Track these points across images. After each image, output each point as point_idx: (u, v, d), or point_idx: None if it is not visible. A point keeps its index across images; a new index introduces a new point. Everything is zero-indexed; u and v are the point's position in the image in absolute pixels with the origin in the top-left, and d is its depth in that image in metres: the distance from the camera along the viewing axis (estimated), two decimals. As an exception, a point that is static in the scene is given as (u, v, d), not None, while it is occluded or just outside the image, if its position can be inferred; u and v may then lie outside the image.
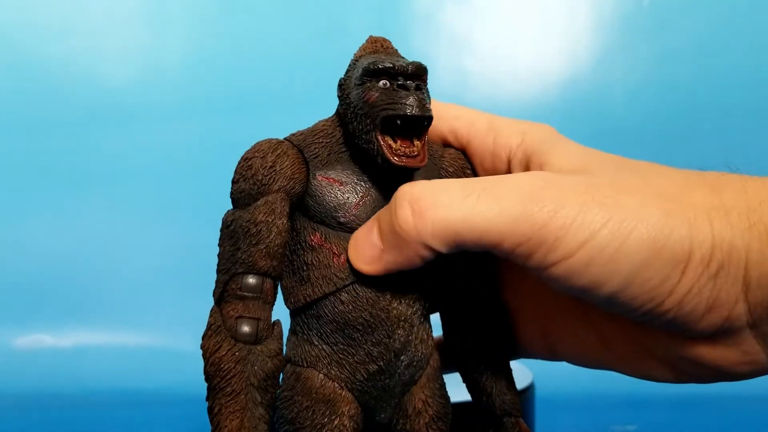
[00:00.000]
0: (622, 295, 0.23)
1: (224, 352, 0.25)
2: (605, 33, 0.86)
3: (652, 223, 0.23)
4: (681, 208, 0.23)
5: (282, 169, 0.27)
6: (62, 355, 0.80)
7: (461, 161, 0.30)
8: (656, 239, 0.22)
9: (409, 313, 0.28)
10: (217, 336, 0.25)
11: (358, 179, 0.28)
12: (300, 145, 0.28)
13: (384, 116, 0.26)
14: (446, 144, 0.31)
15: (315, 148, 0.28)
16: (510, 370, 0.31)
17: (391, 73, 0.26)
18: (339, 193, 0.27)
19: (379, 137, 0.26)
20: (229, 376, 0.24)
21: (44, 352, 0.80)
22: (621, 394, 0.71)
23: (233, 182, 0.27)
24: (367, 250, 0.26)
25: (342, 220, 0.27)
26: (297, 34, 0.83)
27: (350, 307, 0.27)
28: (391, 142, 0.26)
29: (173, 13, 0.85)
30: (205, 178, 0.73)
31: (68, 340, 0.81)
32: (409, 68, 0.26)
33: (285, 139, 0.28)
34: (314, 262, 0.27)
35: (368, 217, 0.27)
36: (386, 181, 0.28)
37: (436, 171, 0.29)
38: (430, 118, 0.26)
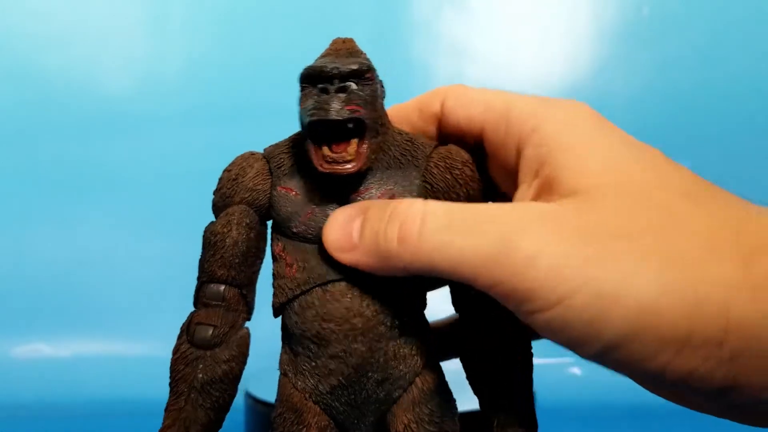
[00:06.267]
0: (608, 358, 0.21)
1: (178, 355, 0.27)
2: (605, 41, 0.86)
3: (643, 295, 0.20)
4: (690, 282, 0.20)
5: (243, 181, 0.27)
6: (60, 365, 0.79)
7: (449, 160, 0.27)
8: (643, 313, 0.20)
9: (369, 326, 0.26)
10: (179, 339, 0.27)
11: (313, 188, 0.27)
12: (268, 156, 0.28)
13: (307, 123, 0.25)
14: (454, 139, 0.29)
15: (281, 158, 0.28)
16: (530, 385, 0.28)
17: (323, 77, 0.25)
18: (293, 202, 0.27)
19: (309, 145, 0.25)
20: (177, 377, 0.27)
21: (42, 362, 0.80)
22: (625, 404, 0.70)
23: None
24: (343, 238, 0.25)
25: (294, 230, 0.27)
26: (296, 43, 0.83)
27: (301, 319, 0.26)
28: (324, 149, 0.25)
29: (173, 21, 0.85)
30: (205, 187, 0.72)
31: (66, 350, 0.81)
32: (339, 70, 0.25)
33: (264, 150, 0.28)
34: (276, 273, 0.27)
35: (320, 228, 0.26)
36: (338, 190, 0.27)
37: (418, 172, 0.27)
38: (353, 120, 0.25)
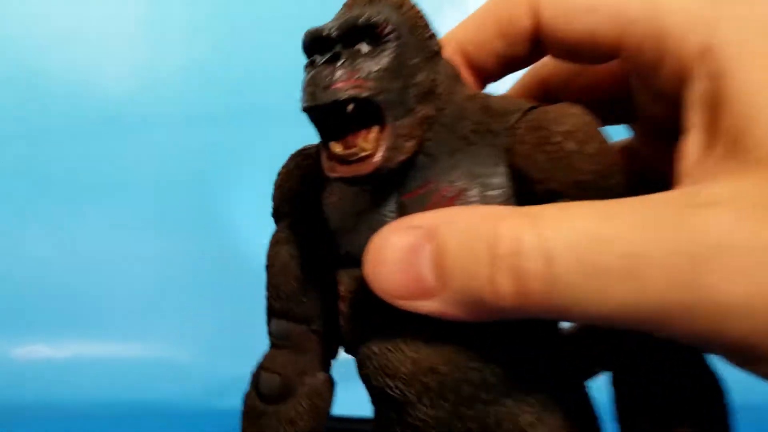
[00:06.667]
0: None
1: (245, 408, 0.22)
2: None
3: None
4: None
5: (290, 188, 0.22)
6: (59, 366, 0.79)
7: (542, 132, 0.17)
8: None
9: (449, 385, 0.18)
10: (249, 385, 0.22)
11: (356, 192, 0.20)
12: (318, 152, 0.20)
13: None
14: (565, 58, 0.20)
15: None
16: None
17: (319, 44, 0.18)
18: (338, 212, 0.20)
19: (321, 143, 0.18)
20: None
21: (41, 363, 0.79)
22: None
23: None
24: (407, 281, 0.17)
25: (343, 250, 0.20)
26: (297, 44, 0.83)
27: (363, 370, 0.19)
28: (332, 146, 0.18)
29: (173, 23, 0.85)
30: (204, 188, 0.72)
31: (65, 351, 0.80)
32: (333, 32, 0.18)
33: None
34: (338, 308, 0.20)
35: (366, 241, 0.18)
36: (383, 190, 0.19)
37: (499, 155, 0.18)
38: (356, 101, 0.17)
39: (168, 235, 0.82)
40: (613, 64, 0.20)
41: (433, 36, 0.20)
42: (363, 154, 0.17)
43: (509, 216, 0.16)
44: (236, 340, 0.61)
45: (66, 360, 0.80)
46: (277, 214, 0.22)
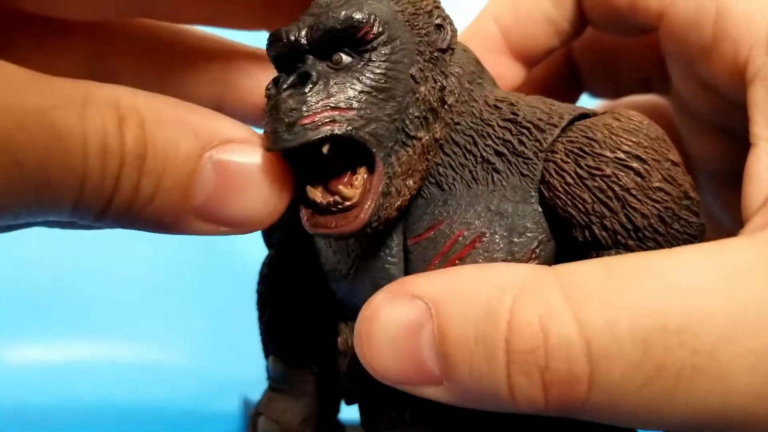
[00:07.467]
0: None
1: None
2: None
3: None
4: None
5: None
6: (52, 369, 0.78)
7: (587, 160, 0.13)
8: None
9: None
10: (248, 428, 0.20)
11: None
12: None
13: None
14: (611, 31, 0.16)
15: None
16: None
17: (289, 53, 0.14)
18: (333, 250, 0.16)
19: (296, 188, 0.14)
20: None
21: (34, 366, 0.79)
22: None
23: None
24: (405, 367, 0.13)
25: (338, 295, 0.17)
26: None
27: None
28: (311, 192, 0.14)
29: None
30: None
31: (58, 353, 0.80)
32: (303, 38, 0.13)
33: None
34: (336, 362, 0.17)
35: (364, 294, 0.14)
36: (383, 232, 0.15)
37: (529, 185, 0.14)
38: (331, 140, 0.13)
39: (162, 237, 0.81)
40: (650, 37, 0.16)
41: (440, 25, 0.15)
42: (347, 203, 0.13)
43: (530, 288, 0.12)
44: (231, 342, 0.60)
45: (59, 363, 0.79)
46: (268, 243, 0.19)
